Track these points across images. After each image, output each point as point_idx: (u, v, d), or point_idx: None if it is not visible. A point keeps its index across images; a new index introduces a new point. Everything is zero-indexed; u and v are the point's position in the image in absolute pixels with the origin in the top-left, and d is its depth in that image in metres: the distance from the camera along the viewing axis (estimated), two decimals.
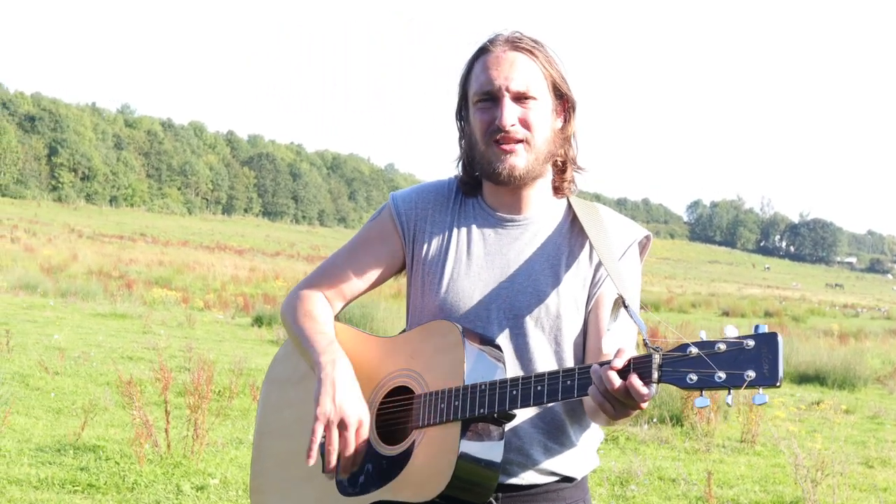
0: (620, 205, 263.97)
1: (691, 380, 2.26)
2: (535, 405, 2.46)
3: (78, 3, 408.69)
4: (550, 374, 2.44)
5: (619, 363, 2.32)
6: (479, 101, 2.67)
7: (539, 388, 2.44)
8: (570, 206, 2.82)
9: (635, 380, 2.29)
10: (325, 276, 2.90)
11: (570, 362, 2.72)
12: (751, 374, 2.20)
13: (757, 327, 2.25)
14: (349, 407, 2.58)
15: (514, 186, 2.71)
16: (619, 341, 2.66)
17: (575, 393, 2.41)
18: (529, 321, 2.69)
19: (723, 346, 2.24)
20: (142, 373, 12.14)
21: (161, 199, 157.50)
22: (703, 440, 10.56)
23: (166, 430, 8.10)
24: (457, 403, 2.50)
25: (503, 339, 2.68)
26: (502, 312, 2.70)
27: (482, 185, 2.81)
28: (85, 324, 18.53)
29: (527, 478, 2.68)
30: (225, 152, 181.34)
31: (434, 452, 2.52)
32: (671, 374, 2.29)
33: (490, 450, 2.54)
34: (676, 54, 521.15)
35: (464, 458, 2.47)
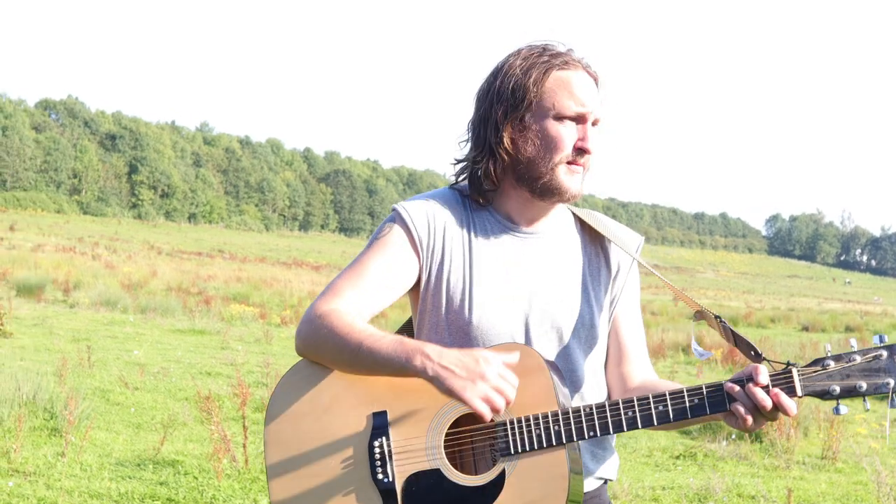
0: (698, 219, 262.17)
1: (834, 391, 2.41)
2: (658, 426, 2.50)
3: (158, 24, 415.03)
4: (673, 393, 2.48)
5: (764, 380, 2.41)
6: (564, 118, 2.63)
7: (661, 407, 2.48)
8: (573, 214, 2.86)
9: (783, 396, 2.40)
10: (343, 296, 2.64)
11: (599, 370, 2.80)
12: (890, 381, 2.37)
13: (881, 337, 2.40)
14: (473, 364, 2.39)
15: (550, 203, 2.72)
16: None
17: (707, 410, 2.46)
18: (568, 333, 2.71)
19: (858, 358, 2.40)
20: (220, 388, 12.26)
21: (239, 215, 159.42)
22: (782, 457, 10.40)
23: (244, 446, 8.16)
24: (557, 428, 2.47)
25: (547, 353, 2.69)
26: (542, 327, 2.70)
27: (494, 196, 2.76)
28: (164, 340, 18.73)
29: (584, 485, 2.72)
30: (302, 169, 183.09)
31: (538, 479, 2.47)
32: (814, 387, 2.42)
33: (578, 462, 2.57)
34: (756, 68, 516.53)
35: (571, 480, 2.47)
